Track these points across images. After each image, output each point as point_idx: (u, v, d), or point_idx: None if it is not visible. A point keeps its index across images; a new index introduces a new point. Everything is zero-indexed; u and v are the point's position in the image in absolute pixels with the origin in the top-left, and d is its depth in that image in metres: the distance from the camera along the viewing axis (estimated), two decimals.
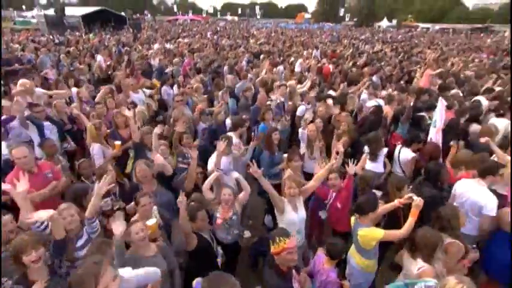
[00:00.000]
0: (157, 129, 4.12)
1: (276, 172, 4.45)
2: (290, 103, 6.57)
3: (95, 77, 9.17)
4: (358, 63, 11.06)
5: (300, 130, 4.97)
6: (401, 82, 8.89)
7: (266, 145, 4.51)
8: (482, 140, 4.18)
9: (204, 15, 62.20)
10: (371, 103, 6.64)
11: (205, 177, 3.82)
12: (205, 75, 8.53)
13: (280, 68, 9.55)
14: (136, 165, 3.54)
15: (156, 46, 14.34)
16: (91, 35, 19.30)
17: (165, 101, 7.35)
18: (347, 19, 62.39)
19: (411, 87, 7.35)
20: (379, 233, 2.87)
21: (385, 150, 4.40)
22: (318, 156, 4.73)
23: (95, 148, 4.38)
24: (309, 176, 4.56)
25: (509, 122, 5.44)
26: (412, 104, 6.15)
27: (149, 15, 53.45)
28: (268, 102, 6.22)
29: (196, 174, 3.79)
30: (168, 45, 15.20)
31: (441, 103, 4.61)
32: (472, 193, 3.40)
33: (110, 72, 8.94)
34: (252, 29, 30.93)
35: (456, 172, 3.89)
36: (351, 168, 3.47)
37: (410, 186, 3.53)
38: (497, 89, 7.56)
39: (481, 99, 6.64)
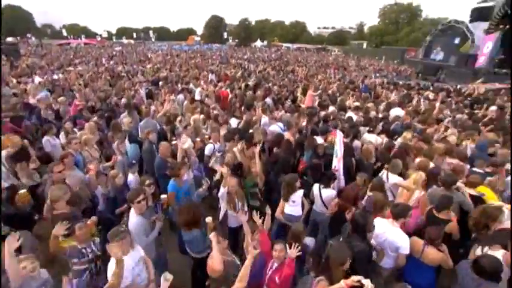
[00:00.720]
0: None
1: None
2: (198, 139, 5.13)
3: None
4: (249, 83, 10.32)
5: (221, 190, 3.49)
6: (289, 101, 8.46)
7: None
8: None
9: (99, 39, 52.20)
10: (273, 127, 5.87)
11: None
12: (99, 117, 5.92)
13: (180, 97, 7.90)
14: None
15: (37, 80, 9.76)
16: None
17: (49, 155, 4.65)
18: (230, 40, 63.36)
19: (301, 109, 6.87)
20: None
21: (301, 192, 3.51)
22: (240, 206, 3.54)
23: None
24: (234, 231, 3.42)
25: (377, 136, 5.40)
26: (309, 129, 5.65)
27: (33, 39, 41.69)
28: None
29: None
30: (55, 75, 10.99)
31: (339, 134, 3.99)
32: (389, 234, 2.94)
33: None
34: (149, 52, 27.09)
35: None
36: (292, 253, 2.44)
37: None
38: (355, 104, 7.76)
39: (352, 115, 6.63)
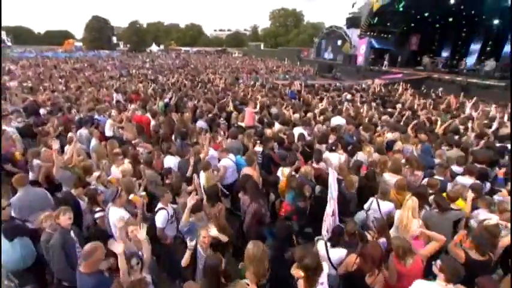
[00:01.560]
0: None
1: None
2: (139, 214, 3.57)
3: None
4: (169, 101, 8.74)
5: None
6: (222, 120, 7.43)
7: None
8: None
9: None
10: (225, 162, 4.81)
11: None
12: None
13: (83, 133, 5.75)
14: None
15: None
16: None
17: None
18: (121, 46, 55.88)
19: (248, 132, 6.00)
20: None
21: (326, 269, 2.69)
22: None
23: None
24: None
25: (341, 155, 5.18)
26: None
27: None
28: None
29: None
30: None
31: (332, 174, 3.40)
32: None
33: None
34: (6, 63, 20.09)
35: None
36: None
37: None
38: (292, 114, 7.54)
39: (301, 130, 6.28)
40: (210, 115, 7.32)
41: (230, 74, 18.44)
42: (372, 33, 22.84)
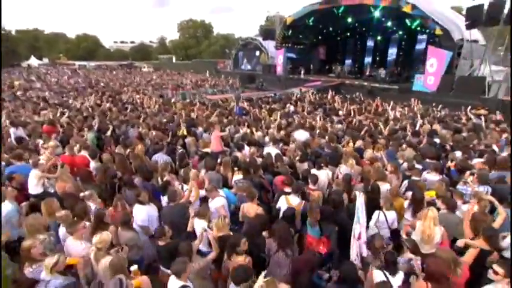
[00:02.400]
0: None
1: None
2: None
3: None
4: (101, 133, 7.23)
5: None
6: (179, 148, 6.58)
7: None
8: None
9: None
10: (217, 203, 4.22)
11: None
12: None
13: None
14: None
15: None
16: None
17: None
18: None
19: (225, 160, 5.45)
20: None
21: None
22: None
23: None
24: None
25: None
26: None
27: None
28: None
29: None
30: None
31: (360, 198, 3.37)
32: None
33: None
34: None
35: None
36: None
37: None
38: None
39: (273, 150, 6.15)
40: (166, 145, 6.39)
41: (154, 91, 16.90)
42: (287, 45, 25.07)
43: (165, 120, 8.56)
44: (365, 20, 20.93)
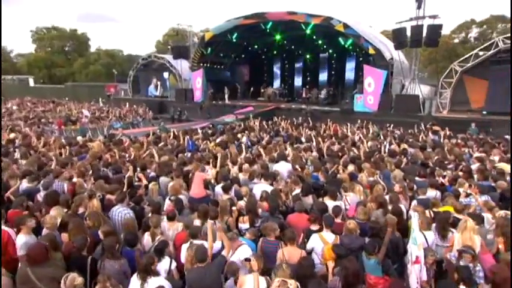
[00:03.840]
0: None
1: None
2: None
3: None
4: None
5: None
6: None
7: None
8: None
9: None
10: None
11: None
12: None
13: None
14: None
15: None
16: None
17: None
18: None
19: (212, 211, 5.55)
20: None
21: None
22: None
23: None
24: None
25: None
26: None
27: None
28: None
29: None
30: None
31: (415, 218, 4.18)
32: None
33: None
34: None
35: None
36: None
37: None
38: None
39: (264, 188, 6.57)
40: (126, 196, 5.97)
41: (31, 127, 15.01)
42: (206, 65, 26.34)
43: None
44: (295, 37, 24.37)
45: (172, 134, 12.30)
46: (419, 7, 17.04)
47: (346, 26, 18.64)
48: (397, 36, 17.73)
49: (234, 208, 5.62)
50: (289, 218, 5.42)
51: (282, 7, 23.99)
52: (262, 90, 26.74)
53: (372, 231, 4.72)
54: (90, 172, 7.37)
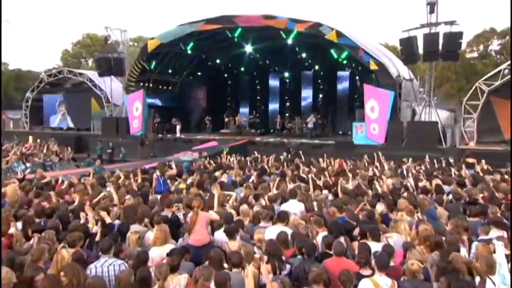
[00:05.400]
0: None
1: None
2: None
3: None
4: None
5: None
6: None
7: None
8: None
9: None
10: None
11: None
12: None
13: None
14: None
15: None
16: None
17: None
18: None
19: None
20: None
21: None
22: None
23: None
24: None
25: None
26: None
27: None
28: None
29: None
30: None
31: (500, 249, 4.87)
32: None
33: None
34: None
35: None
36: None
37: None
38: None
39: (277, 230, 7.06)
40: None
41: None
42: (148, 84, 26.50)
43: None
44: (271, 49, 25.86)
45: (122, 174, 12.39)
46: (431, 11, 18.40)
47: (340, 34, 19.77)
48: (406, 48, 19.17)
49: (256, 256, 5.93)
50: (326, 264, 5.84)
51: (257, 10, 25.34)
52: (226, 120, 27.48)
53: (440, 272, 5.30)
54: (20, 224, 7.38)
